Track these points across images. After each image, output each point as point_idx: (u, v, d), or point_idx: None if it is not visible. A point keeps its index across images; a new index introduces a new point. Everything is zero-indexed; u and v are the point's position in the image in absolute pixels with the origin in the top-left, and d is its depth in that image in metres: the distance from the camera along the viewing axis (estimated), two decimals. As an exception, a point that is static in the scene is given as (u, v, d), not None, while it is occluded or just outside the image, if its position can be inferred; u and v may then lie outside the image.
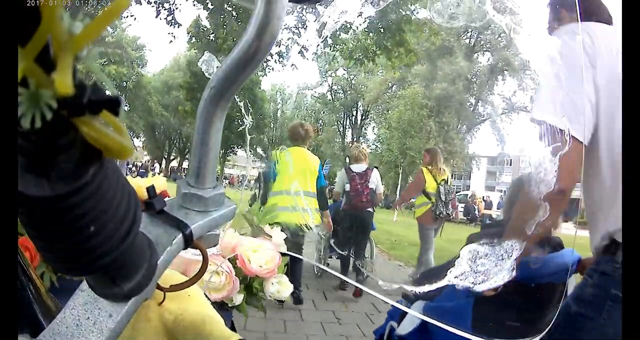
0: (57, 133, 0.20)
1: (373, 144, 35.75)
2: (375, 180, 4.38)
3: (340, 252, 4.43)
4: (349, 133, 38.07)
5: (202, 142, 0.37)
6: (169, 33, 9.04)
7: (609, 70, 0.97)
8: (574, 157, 0.98)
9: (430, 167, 4.54)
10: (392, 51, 8.72)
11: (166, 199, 0.38)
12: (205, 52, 0.55)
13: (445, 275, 0.54)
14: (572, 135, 0.96)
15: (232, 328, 0.87)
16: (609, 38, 1.05)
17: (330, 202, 4.39)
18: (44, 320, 0.40)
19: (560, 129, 0.96)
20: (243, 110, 0.70)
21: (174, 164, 36.96)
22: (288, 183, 3.17)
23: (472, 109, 30.32)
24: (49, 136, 0.20)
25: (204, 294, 0.59)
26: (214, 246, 0.41)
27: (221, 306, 0.86)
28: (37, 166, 0.21)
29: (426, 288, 0.72)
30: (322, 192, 3.58)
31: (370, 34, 8.87)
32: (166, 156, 37.14)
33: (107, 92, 0.20)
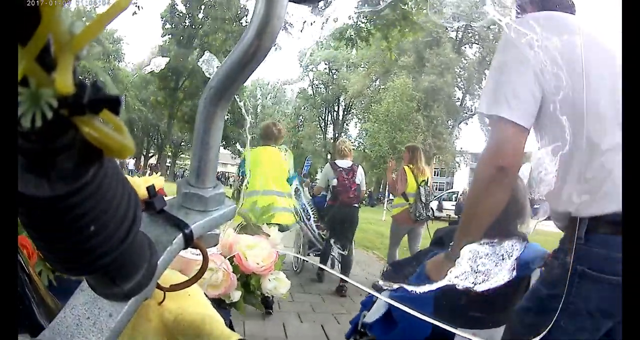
0: (58, 132, 0.20)
1: (355, 140, 34.77)
2: (360, 177, 4.38)
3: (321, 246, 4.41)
4: (330, 129, 37.52)
5: (202, 142, 0.37)
6: (133, 3, 7.63)
7: (561, 57, 0.94)
8: (514, 139, 1.03)
9: (411, 166, 4.32)
10: (390, 27, 7.91)
11: (166, 198, 0.38)
12: (206, 52, 0.55)
13: (415, 265, 0.54)
14: (512, 120, 1.02)
15: (231, 327, 0.87)
16: (560, 27, 1.06)
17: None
18: (44, 320, 0.40)
19: (499, 116, 1.03)
20: (243, 111, 0.70)
21: (152, 160, 35.68)
22: (260, 183, 3.11)
23: (459, 103, 29.42)
24: (49, 136, 0.20)
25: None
26: (214, 246, 0.41)
27: (219, 305, 0.86)
28: (37, 166, 0.21)
29: (426, 288, 0.72)
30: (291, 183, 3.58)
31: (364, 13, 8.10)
32: (144, 153, 35.60)
33: (108, 92, 0.20)
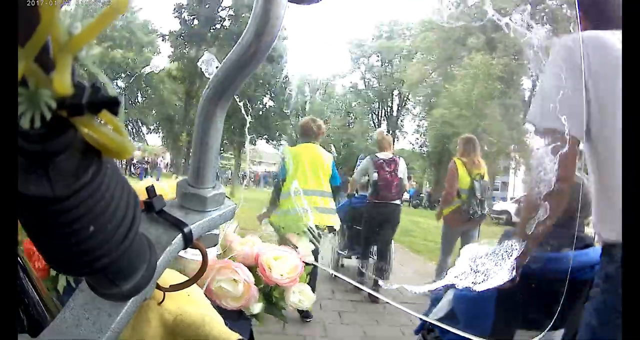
0: (57, 133, 0.20)
1: (412, 135, 32.17)
2: (403, 170, 3.99)
3: (356, 252, 4.13)
4: (384, 125, 34.10)
5: (201, 142, 0.37)
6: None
7: (604, 79, 1.06)
8: (571, 155, 1.08)
9: (464, 159, 3.81)
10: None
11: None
12: (205, 52, 0.55)
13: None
14: (570, 134, 1.04)
15: (251, 338, 0.85)
16: (608, 48, 1.10)
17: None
18: (44, 321, 0.40)
19: (554, 129, 1.06)
20: (243, 111, 0.70)
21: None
22: (304, 182, 2.99)
23: (530, 91, 23.35)
24: (49, 136, 0.20)
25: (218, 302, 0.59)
26: (214, 246, 0.41)
27: (240, 315, 0.84)
28: (36, 166, 0.21)
29: (426, 288, 0.72)
30: (338, 191, 3.42)
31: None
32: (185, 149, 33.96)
33: (107, 92, 0.20)
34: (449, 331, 1.43)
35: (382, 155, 3.97)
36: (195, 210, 0.38)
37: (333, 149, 3.62)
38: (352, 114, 35.85)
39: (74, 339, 0.31)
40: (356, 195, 4.53)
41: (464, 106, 21.12)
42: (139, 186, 0.53)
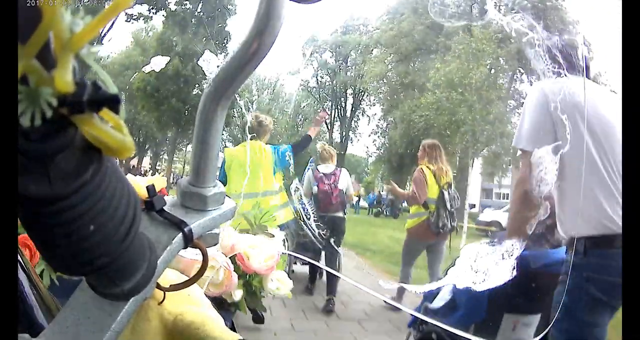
0: (57, 131, 0.20)
1: (372, 136, 29.47)
2: (345, 181, 3.97)
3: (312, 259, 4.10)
4: (337, 127, 32.66)
5: (202, 141, 0.37)
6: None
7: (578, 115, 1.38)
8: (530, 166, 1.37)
9: (431, 167, 3.55)
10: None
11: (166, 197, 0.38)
12: (206, 51, 0.55)
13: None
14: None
15: (233, 328, 0.87)
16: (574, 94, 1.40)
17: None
18: (44, 320, 0.40)
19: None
20: (243, 110, 0.70)
21: (134, 161, 31.29)
22: (238, 185, 2.78)
23: (509, 85, 20.46)
24: (49, 134, 0.20)
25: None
26: (214, 245, 0.41)
27: (221, 305, 0.86)
28: (36, 165, 0.21)
29: (426, 288, 0.72)
30: (295, 148, 3.24)
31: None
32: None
33: (107, 90, 0.20)
34: (450, 316, 1.85)
35: (322, 167, 3.90)
36: (196, 210, 0.38)
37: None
38: (300, 115, 34.06)
39: (74, 339, 0.31)
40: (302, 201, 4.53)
41: (443, 88, 17.64)
42: (139, 185, 0.53)
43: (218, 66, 0.35)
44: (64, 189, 0.21)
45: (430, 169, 3.57)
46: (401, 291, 3.60)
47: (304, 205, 4.40)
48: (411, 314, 2.15)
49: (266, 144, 3.18)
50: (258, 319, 3.26)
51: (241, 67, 0.33)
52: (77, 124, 0.20)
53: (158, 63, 1.05)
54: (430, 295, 2.03)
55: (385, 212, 22.86)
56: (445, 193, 3.49)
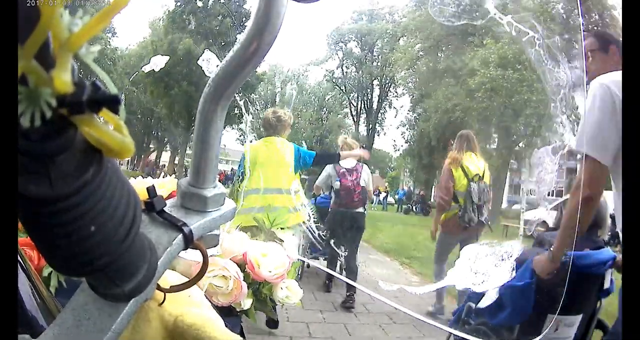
0: (57, 132, 0.20)
1: (400, 129, 27.88)
2: (366, 177, 3.94)
3: (334, 250, 3.91)
4: (363, 118, 30.85)
5: (202, 141, 0.37)
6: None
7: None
8: (596, 173, 1.42)
9: (459, 158, 3.42)
10: None
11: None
12: (206, 51, 0.55)
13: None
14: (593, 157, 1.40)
15: (242, 334, 0.86)
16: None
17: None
18: (44, 321, 0.39)
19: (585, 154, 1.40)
20: (243, 109, 0.70)
21: (152, 157, 30.93)
22: (258, 181, 2.78)
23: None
24: (49, 135, 0.20)
25: (209, 299, 0.59)
26: (214, 246, 0.41)
27: (230, 312, 0.84)
28: (36, 166, 0.21)
29: (426, 288, 0.72)
30: (317, 159, 3.16)
31: None
32: (144, 146, 29.24)
33: (107, 91, 0.20)
34: (497, 315, 1.89)
35: (344, 162, 3.70)
36: (196, 211, 0.38)
37: (304, 145, 3.34)
38: (325, 108, 32.21)
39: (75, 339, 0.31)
40: (322, 194, 4.51)
41: (498, 66, 15.15)
42: (139, 186, 0.53)
43: (218, 66, 0.35)
44: (64, 189, 0.21)
45: (458, 162, 3.42)
46: (440, 295, 3.56)
47: (322, 200, 4.28)
48: (452, 314, 2.23)
49: (288, 140, 3.14)
50: (272, 323, 3.19)
51: (241, 66, 0.33)
52: (77, 125, 0.20)
53: (158, 63, 1.05)
54: (474, 295, 2.04)
55: (414, 209, 21.96)
56: (474, 186, 3.34)
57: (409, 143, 26.91)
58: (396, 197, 26.12)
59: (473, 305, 2.07)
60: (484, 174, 3.44)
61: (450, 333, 2.17)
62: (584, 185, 1.43)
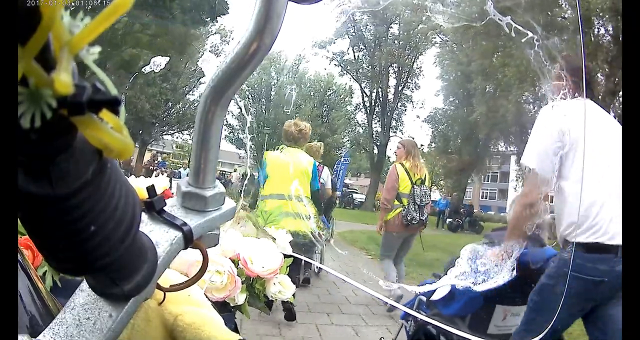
0: (57, 132, 0.20)
1: (425, 124, 23.22)
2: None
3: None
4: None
5: (202, 141, 0.37)
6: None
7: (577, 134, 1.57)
8: (535, 183, 1.66)
9: (406, 163, 3.86)
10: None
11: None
12: (206, 52, 0.55)
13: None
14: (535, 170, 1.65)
15: (235, 330, 0.87)
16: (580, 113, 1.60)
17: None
18: (44, 321, 0.40)
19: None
20: (244, 111, 0.70)
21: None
22: (280, 186, 2.99)
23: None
24: (49, 136, 0.20)
25: (204, 293, 0.59)
26: (214, 246, 0.41)
27: (223, 307, 0.86)
28: (37, 166, 0.21)
29: (426, 288, 0.72)
30: (315, 195, 3.31)
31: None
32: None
33: (107, 91, 0.20)
34: (449, 307, 2.07)
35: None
36: (196, 210, 0.38)
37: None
38: (326, 104, 27.09)
39: (74, 339, 0.31)
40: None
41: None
42: (139, 186, 0.53)
43: (217, 66, 0.35)
44: (65, 189, 0.22)
45: (404, 166, 3.88)
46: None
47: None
48: (405, 306, 2.28)
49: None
50: (290, 316, 3.35)
51: (241, 67, 0.33)
52: (78, 125, 0.20)
53: (158, 63, 1.05)
54: (425, 291, 2.16)
55: (463, 225, 16.25)
56: (417, 189, 3.81)
57: (434, 141, 21.92)
58: (436, 209, 17.75)
59: (424, 298, 2.23)
60: (425, 177, 3.92)
61: (403, 324, 2.38)
62: (525, 193, 1.71)
